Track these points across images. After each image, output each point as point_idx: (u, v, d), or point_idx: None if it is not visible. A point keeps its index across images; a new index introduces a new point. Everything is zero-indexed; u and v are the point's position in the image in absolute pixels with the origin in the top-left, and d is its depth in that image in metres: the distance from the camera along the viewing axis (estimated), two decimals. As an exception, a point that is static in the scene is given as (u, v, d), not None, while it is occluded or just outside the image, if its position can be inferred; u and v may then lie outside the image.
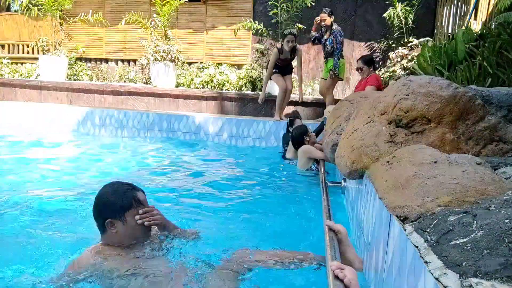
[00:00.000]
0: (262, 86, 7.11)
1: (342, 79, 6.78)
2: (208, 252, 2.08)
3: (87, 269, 1.76)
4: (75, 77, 9.74)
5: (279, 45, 6.60)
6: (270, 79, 6.74)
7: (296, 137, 4.73)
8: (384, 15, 7.99)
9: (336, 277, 1.28)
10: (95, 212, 1.88)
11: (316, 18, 6.37)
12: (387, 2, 7.92)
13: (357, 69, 6.16)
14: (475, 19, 6.01)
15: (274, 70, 6.52)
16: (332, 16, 6.32)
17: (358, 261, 1.83)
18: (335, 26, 6.34)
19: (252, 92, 7.99)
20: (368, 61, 5.93)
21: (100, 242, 1.92)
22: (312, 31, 6.61)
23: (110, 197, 1.85)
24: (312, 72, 9.19)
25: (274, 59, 6.50)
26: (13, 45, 10.75)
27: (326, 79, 6.54)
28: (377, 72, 6.54)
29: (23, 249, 2.26)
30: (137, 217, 1.85)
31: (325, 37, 6.40)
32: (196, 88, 8.73)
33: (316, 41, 6.60)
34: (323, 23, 6.30)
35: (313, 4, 8.03)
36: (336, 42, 6.23)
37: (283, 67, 6.61)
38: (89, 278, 1.72)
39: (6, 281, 1.91)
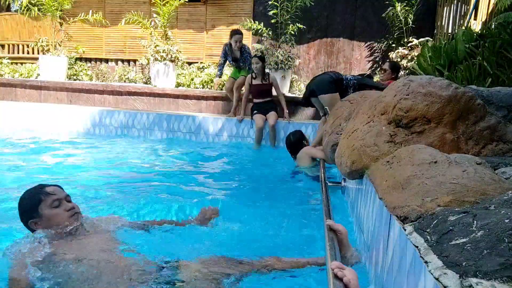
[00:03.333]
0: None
1: None
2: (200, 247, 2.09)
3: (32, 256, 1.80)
4: (75, 77, 9.74)
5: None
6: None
7: (295, 142, 4.64)
8: (383, 15, 7.99)
9: (336, 276, 1.28)
10: (21, 220, 2.01)
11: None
12: (387, 2, 7.92)
13: (381, 69, 6.28)
14: (475, 19, 6.02)
15: (255, 112, 6.34)
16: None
17: (358, 262, 1.83)
18: (244, 46, 6.79)
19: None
20: (394, 67, 6.02)
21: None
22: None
23: (23, 202, 2.01)
24: (312, 72, 9.19)
25: (247, 86, 6.50)
26: (13, 45, 10.75)
27: (235, 79, 6.85)
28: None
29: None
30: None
31: (237, 56, 6.68)
32: (196, 88, 8.73)
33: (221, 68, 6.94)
34: (238, 44, 6.57)
35: (313, 4, 8.03)
36: (247, 62, 6.67)
37: (261, 103, 6.38)
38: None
39: None
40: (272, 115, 6.26)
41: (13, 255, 1.82)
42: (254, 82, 6.39)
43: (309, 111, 7.55)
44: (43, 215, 1.95)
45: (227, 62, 6.97)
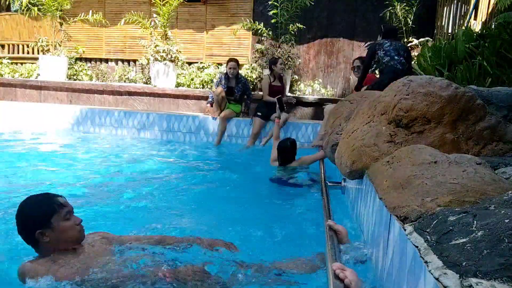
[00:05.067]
0: (261, 87, 7.17)
1: None
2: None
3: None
4: (75, 77, 9.74)
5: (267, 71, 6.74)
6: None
7: (292, 151, 4.61)
8: (381, 14, 7.99)
9: (337, 277, 1.28)
10: (22, 230, 1.87)
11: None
12: (387, 2, 7.92)
13: (353, 68, 6.12)
14: (475, 19, 6.01)
15: (258, 114, 6.38)
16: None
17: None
18: (240, 74, 6.83)
19: (252, 92, 8.00)
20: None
21: (35, 257, 1.91)
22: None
23: (31, 210, 1.86)
24: (312, 72, 9.20)
25: (267, 87, 6.54)
26: (13, 45, 10.74)
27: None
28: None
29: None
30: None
31: (232, 85, 6.64)
32: (196, 88, 8.73)
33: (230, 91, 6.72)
34: (233, 71, 6.54)
35: (313, 3, 8.03)
36: (247, 89, 6.76)
37: (271, 105, 6.38)
38: None
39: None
40: (282, 116, 6.24)
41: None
42: (274, 83, 6.57)
43: (309, 110, 7.56)
44: (56, 227, 1.83)
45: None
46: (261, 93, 6.88)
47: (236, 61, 6.70)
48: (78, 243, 1.92)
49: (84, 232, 1.96)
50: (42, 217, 1.83)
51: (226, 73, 6.65)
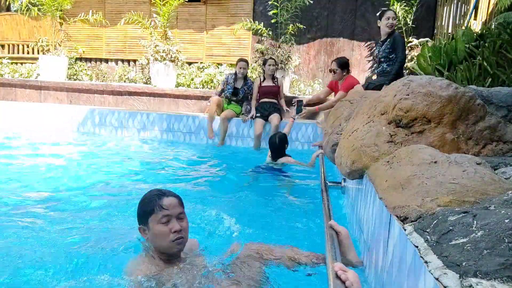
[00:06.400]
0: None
1: None
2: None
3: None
4: (75, 77, 9.74)
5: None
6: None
7: (279, 144, 4.63)
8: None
9: (338, 277, 1.28)
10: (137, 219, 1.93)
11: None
12: (387, 2, 7.91)
13: (330, 70, 6.06)
14: (475, 19, 6.01)
15: (257, 114, 6.42)
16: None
17: (358, 263, 1.83)
18: (248, 77, 6.93)
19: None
20: (343, 64, 5.86)
21: (140, 252, 1.93)
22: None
23: (140, 204, 1.89)
24: (312, 72, 9.20)
25: (256, 89, 6.63)
26: (13, 45, 10.74)
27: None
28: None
29: (23, 253, 2.24)
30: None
31: (239, 86, 6.72)
32: (196, 88, 8.73)
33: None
34: (243, 71, 6.63)
35: (311, 2, 8.02)
36: (249, 90, 6.76)
37: (266, 102, 6.48)
38: None
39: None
40: (275, 116, 6.33)
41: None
42: (264, 83, 6.61)
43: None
44: (151, 228, 1.80)
45: (225, 93, 6.80)
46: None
47: (246, 61, 6.80)
48: (169, 253, 1.82)
49: (179, 243, 1.80)
50: (143, 214, 1.84)
51: (235, 73, 6.71)
